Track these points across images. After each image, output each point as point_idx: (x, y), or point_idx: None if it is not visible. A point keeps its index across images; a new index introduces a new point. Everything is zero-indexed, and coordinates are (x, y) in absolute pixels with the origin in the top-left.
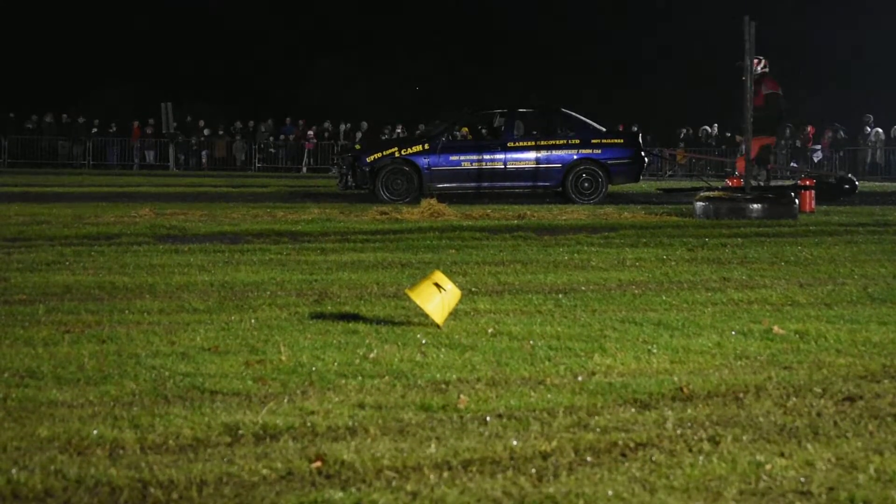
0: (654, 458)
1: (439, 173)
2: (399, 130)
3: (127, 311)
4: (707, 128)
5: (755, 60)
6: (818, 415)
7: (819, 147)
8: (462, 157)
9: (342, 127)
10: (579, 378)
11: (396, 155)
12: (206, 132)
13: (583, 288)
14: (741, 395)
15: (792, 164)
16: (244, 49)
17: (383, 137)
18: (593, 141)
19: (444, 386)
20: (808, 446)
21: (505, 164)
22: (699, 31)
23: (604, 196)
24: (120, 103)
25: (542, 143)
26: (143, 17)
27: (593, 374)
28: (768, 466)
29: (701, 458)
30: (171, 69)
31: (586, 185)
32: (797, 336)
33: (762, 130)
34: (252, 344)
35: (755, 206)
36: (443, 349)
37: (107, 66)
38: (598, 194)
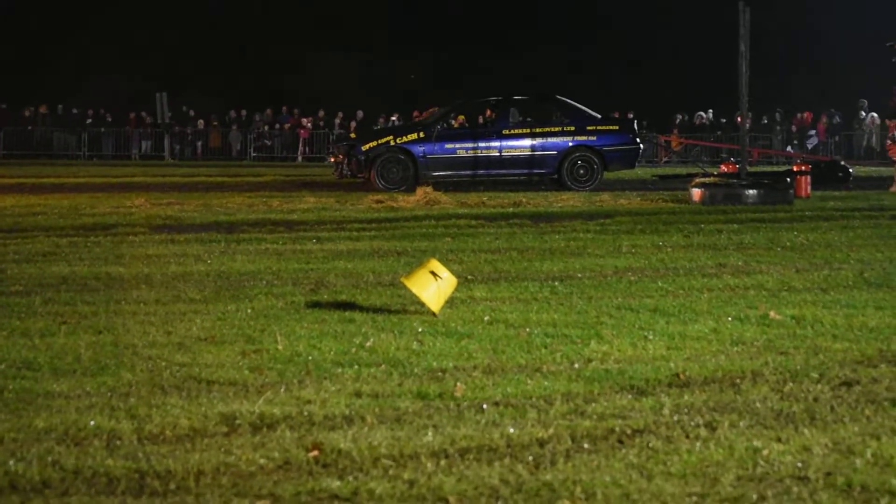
0: (651, 445)
1: (435, 161)
2: (394, 119)
3: (123, 302)
4: (703, 113)
5: None
6: (815, 400)
7: (814, 132)
8: (457, 145)
9: (337, 117)
10: (576, 365)
11: (392, 143)
12: (200, 122)
13: (579, 275)
14: (738, 380)
15: (787, 148)
16: (239, 38)
17: (377, 126)
18: (588, 128)
19: (440, 374)
20: (805, 431)
21: (500, 151)
22: (695, 16)
23: (599, 183)
24: (115, 94)
25: (538, 130)
26: (137, 7)
27: (590, 361)
28: (765, 452)
29: (698, 444)
30: (165, 59)
31: (582, 171)
32: (793, 321)
33: None
34: (248, 333)
35: (751, 191)
36: (439, 337)
37: (101, 57)
38: (593, 181)
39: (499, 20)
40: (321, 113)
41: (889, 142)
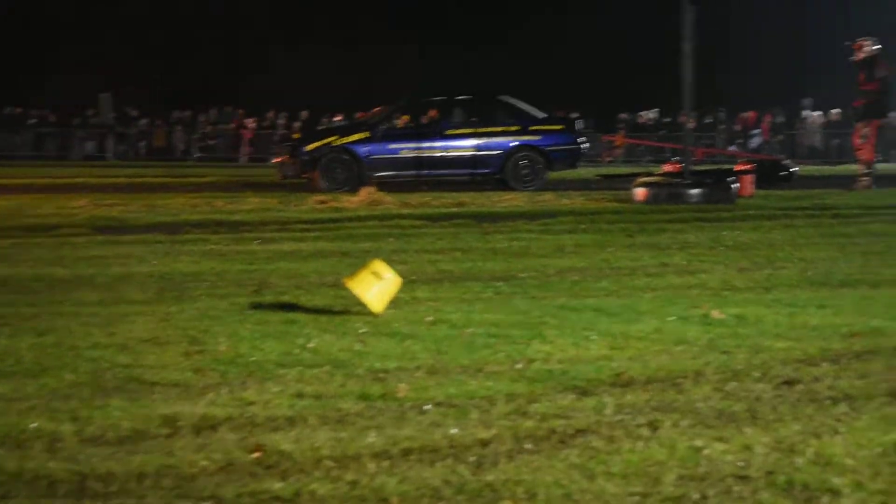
0: (593, 445)
1: (379, 161)
2: (338, 119)
3: (65, 304)
4: (646, 112)
5: (867, 42)
6: (757, 399)
7: (758, 131)
8: (401, 146)
9: (280, 117)
10: (518, 365)
11: (336, 143)
12: (143, 122)
13: (522, 275)
14: (680, 380)
15: (730, 147)
16: (184, 37)
17: (321, 126)
18: (532, 128)
19: (383, 375)
20: (747, 430)
21: (444, 151)
22: (639, 14)
23: (543, 183)
24: (58, 94)
25: (481, 130)
26: (80, 6)
27: (532, 361)
28: (707, 451)
29: (640, 443)
30: (109, 59)
31: (525, 171)
32: (736, 321)
33: (877, 113)
34: (191, 335)
35: (694, 191)
36: (382, 338)
37: (43, 57)
38: (537, 181)
39: (444, 16)
40: (270, 114)
41: (860, 140)
